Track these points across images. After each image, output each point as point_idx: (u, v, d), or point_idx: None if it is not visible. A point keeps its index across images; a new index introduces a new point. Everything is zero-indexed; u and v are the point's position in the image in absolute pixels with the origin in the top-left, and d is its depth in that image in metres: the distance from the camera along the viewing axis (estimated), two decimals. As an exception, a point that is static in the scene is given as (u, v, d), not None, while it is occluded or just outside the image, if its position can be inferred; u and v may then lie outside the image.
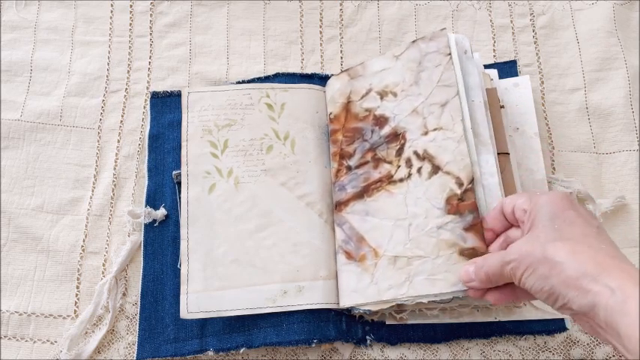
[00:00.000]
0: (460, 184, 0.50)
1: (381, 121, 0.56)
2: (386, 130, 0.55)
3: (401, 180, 0.53)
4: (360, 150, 0.56)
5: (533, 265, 0.40)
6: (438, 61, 0.54)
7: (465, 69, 0.54)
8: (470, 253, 0.47)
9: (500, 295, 0.45)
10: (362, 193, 0.55)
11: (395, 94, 0.56)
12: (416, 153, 0.53)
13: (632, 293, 0.35)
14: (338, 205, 0.56)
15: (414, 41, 0.57)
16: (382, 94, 0.57)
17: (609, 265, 0.37)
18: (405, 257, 0.51)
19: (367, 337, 0.54)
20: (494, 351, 0.54)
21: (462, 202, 0.49)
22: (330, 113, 0.60)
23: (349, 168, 0.56)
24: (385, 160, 0.55)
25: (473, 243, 0.48)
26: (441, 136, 0.52)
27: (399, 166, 0.54)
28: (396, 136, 0.55)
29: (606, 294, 0.35)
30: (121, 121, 0.64)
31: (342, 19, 0.70)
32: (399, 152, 0.54)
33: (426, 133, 0.53)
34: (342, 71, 0.60)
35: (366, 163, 0.56)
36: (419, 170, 0.52)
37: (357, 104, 0.58)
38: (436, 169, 0.52)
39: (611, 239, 0.41)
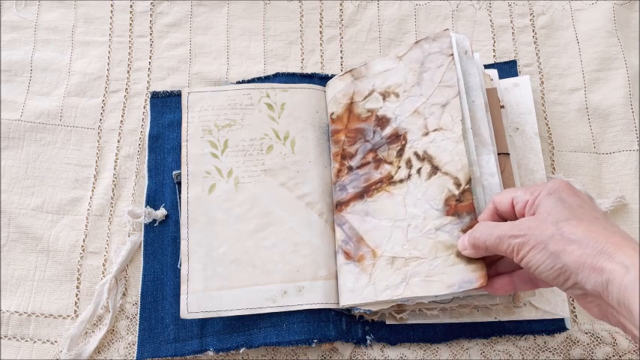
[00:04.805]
0: (458, 185, 0.50)
1: (382, 121, 0.56)
2: (387, 130, 0.55)
3: (401, 181, 0.53)
4: (362, 150, 0.56)
5: (544, 241, 0.39)
6: (440, 61, 0.54)
7: (465, 69, 0.54)
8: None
9: (498, 285, 0.46)
10: (362, 194, 0.55)
11: (397, 95, 0.56)
12: (416, 154, 0.53)
13: None
14: (338, 205, 0.56)
15: (417, 42, 0.56)
16: (384, 95, 0.57)
17: (623, 244, 0.37)
18: (402, 258, 0.51)
19: (367, 337, 0.54)
20: (494, 351, 0.54)
21: (460, 204, 0.49)
22: (332, 113, 0.60)
23: (350, 168, 0.56)
24: (386, 160, 0.55)
25: None
26: (440, 136, 0.52)
27: (400, 167, 0.54)
28: (397, 137, 0.55)
29: (620, 272, 0.35)
30: (121, 121, 0.64)
31: (342, 19, 0.70)
32: (400, 153, 0.54)
33: (426, 134, 0.53)
34: (345, 72, 0.60)
35: (368, 163, 0.56)
36: (418, 171, 0.52)
37: (359, 105, 0.58)
38: (435, 169, 0.52)
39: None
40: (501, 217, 0.46)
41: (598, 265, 0.36)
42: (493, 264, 0.48)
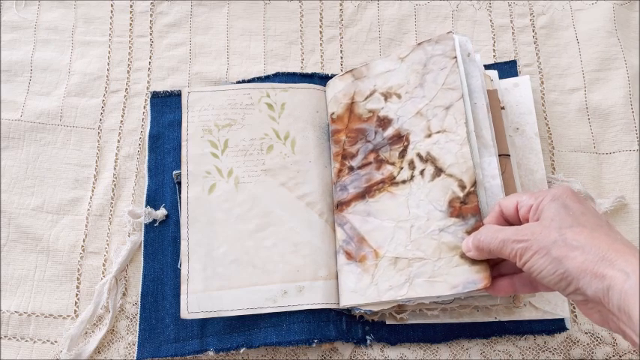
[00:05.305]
0: (463, 187, 0.50)
1: (384, 122, 0.56)
2: (389, 131, 0.55)
3: (403, 182, 0.53)
4: (363, 151, 0.56)
5: (547, 247, 0.39)
6: (444, 63, 0.54)
7: (468, 71, 0.54)
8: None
9: (499, 287, 0.46)
10: (364, 194, 0.55)
11: (399, 96, 0.56)
12: (419, 155, 0.53)
13: None
14: (339, 205, 0.56)
15: (419, 43, 0.56)
16: (386, 96, 0.57)
17: (625, 252, 0.37)
18: (405, 259, 0.51)
19: (367, 337, 0.54)
20: (494, 351, 0.54)
21: (465, 206, 0.49)
22: (333, 113, 0.60)
23: (351, 168, 0.56)
24: (388, 161, 0.55)
25: None
26: (444, 138, 0.52)
27: (402, 168, 0.54)
28: (400, 138, 0.55)
29: (621, 278, 0.35)
30: (121, 121, 0.64)
31: (342, 19, 0.70)
32: (402, 154, 0.54)
33: (429, 136, 0.53)
34: (345, 72, 0.60)
35: (369, 164, 0.56)
36: (422, 172, 0.52)
37: (360, 105, 0.58)
38: (439, 171, 0.52)
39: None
40: (507, 220, 0.46)
41: (599, 272, 0.36)
42: (495, 265, 0.48)
